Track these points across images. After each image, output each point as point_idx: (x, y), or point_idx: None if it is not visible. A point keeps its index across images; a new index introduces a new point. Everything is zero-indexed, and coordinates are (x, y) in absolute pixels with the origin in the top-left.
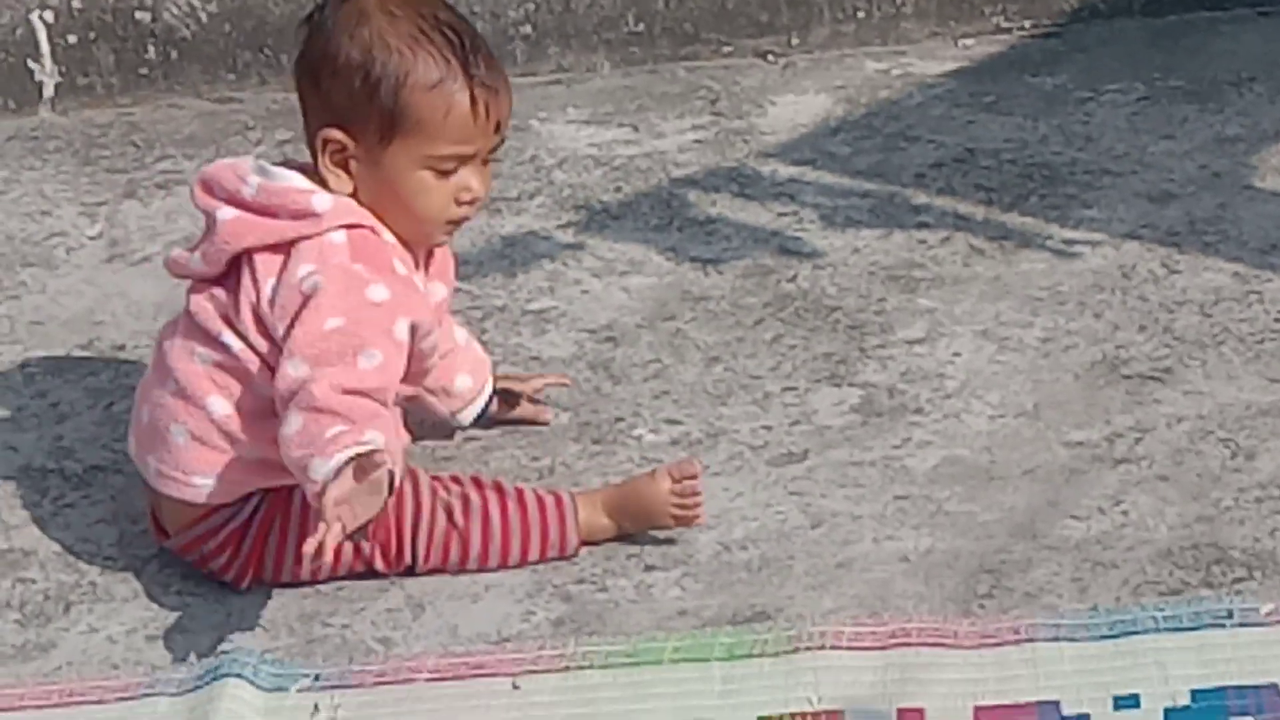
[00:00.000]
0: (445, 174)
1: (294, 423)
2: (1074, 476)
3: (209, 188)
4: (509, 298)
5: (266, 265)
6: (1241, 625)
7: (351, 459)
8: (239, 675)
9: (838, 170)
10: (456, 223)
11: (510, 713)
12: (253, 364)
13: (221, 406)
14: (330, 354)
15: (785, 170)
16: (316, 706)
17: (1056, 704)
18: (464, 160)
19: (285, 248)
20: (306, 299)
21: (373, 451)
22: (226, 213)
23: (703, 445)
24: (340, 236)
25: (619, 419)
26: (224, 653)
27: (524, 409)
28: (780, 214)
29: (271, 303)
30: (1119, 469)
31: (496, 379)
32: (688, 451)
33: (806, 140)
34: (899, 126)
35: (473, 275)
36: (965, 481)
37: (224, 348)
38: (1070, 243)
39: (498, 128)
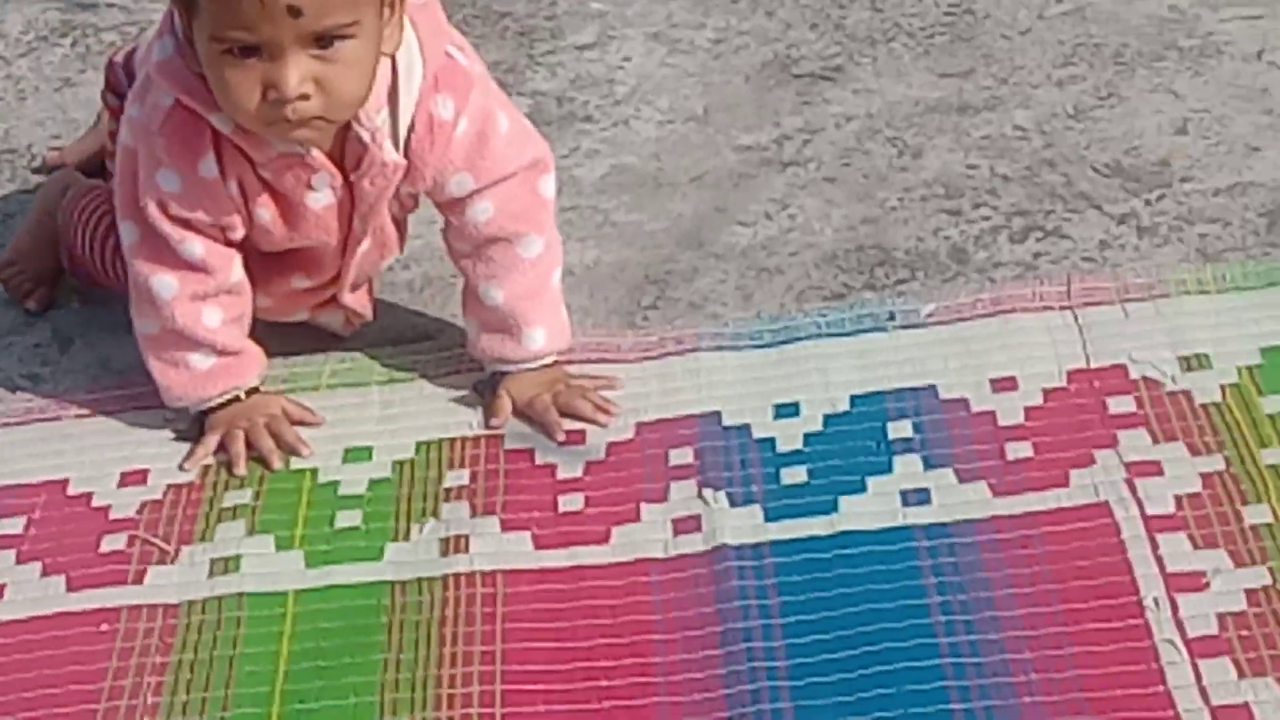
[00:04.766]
0: (243, 64)
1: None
2: (742, 181)
3: None
4: None
5: None
6: (903, 328)
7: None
8: None
9: None
10: (282, 123)
11: (164, 447)
12: None
13: None
14: None
15: None
16: None
17: (718, 414)
18: (258, 49)
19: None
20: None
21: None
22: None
23: None
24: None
25: None
26: None
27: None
28: None
29: None
30: (787, 172)
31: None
32: None
33: None
34: None
35: None
36: (633, 190)
37: None
38: None
39: (293, 12)
